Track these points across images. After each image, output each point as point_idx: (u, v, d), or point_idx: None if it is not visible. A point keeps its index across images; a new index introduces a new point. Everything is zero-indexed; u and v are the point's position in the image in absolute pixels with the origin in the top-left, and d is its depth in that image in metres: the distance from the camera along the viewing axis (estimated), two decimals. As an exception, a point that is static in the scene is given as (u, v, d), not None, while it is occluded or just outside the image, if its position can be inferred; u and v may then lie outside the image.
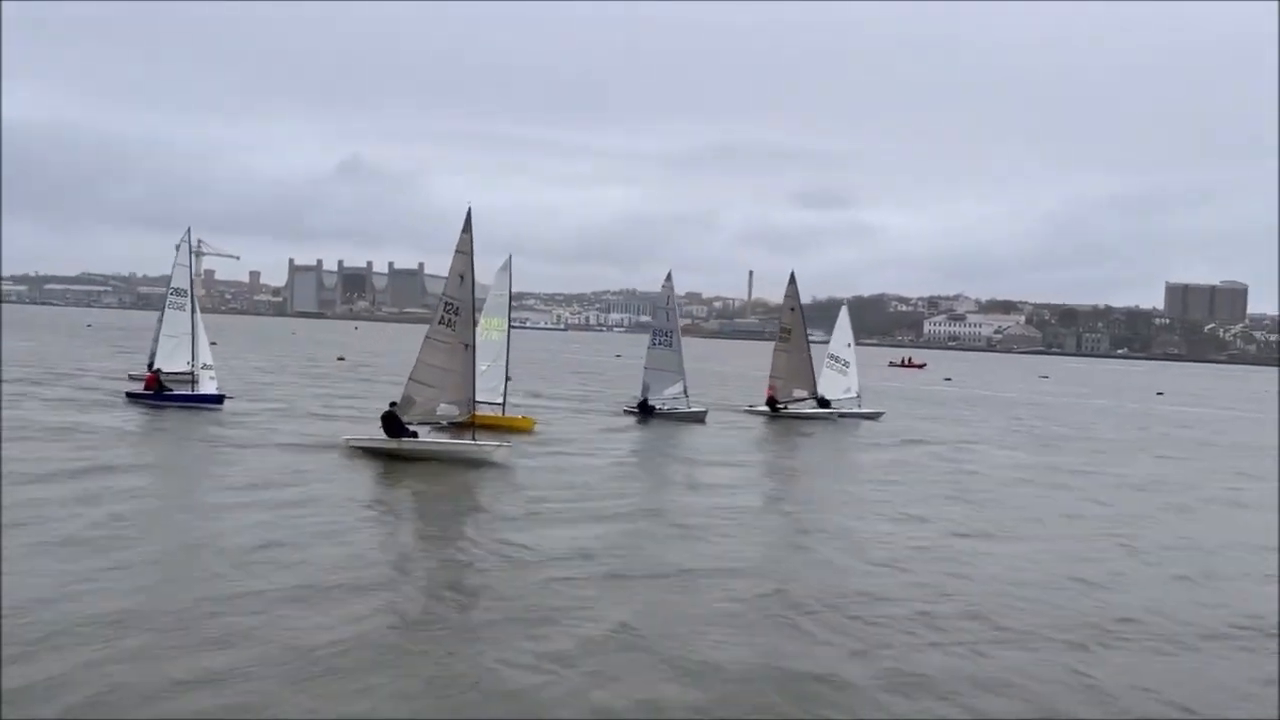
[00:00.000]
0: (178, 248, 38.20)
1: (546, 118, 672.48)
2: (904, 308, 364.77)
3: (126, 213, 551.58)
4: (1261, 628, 14.23)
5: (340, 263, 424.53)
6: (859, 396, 45.00)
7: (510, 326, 36.10)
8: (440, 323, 27.11)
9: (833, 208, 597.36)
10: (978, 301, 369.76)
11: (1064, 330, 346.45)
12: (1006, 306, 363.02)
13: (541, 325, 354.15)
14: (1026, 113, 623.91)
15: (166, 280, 38.77)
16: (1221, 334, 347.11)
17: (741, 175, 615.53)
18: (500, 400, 33.78)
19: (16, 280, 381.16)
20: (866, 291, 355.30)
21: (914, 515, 21.72)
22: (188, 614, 12.24)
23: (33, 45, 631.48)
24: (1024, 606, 14.56)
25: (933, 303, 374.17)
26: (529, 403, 41.66)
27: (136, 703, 9.73)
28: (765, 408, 43.96)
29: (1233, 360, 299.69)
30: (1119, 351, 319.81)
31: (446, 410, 26.97)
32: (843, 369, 45.22)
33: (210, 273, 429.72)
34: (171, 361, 36.14)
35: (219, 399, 35.15)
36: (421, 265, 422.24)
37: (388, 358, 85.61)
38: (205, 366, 35.53)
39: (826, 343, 47.81)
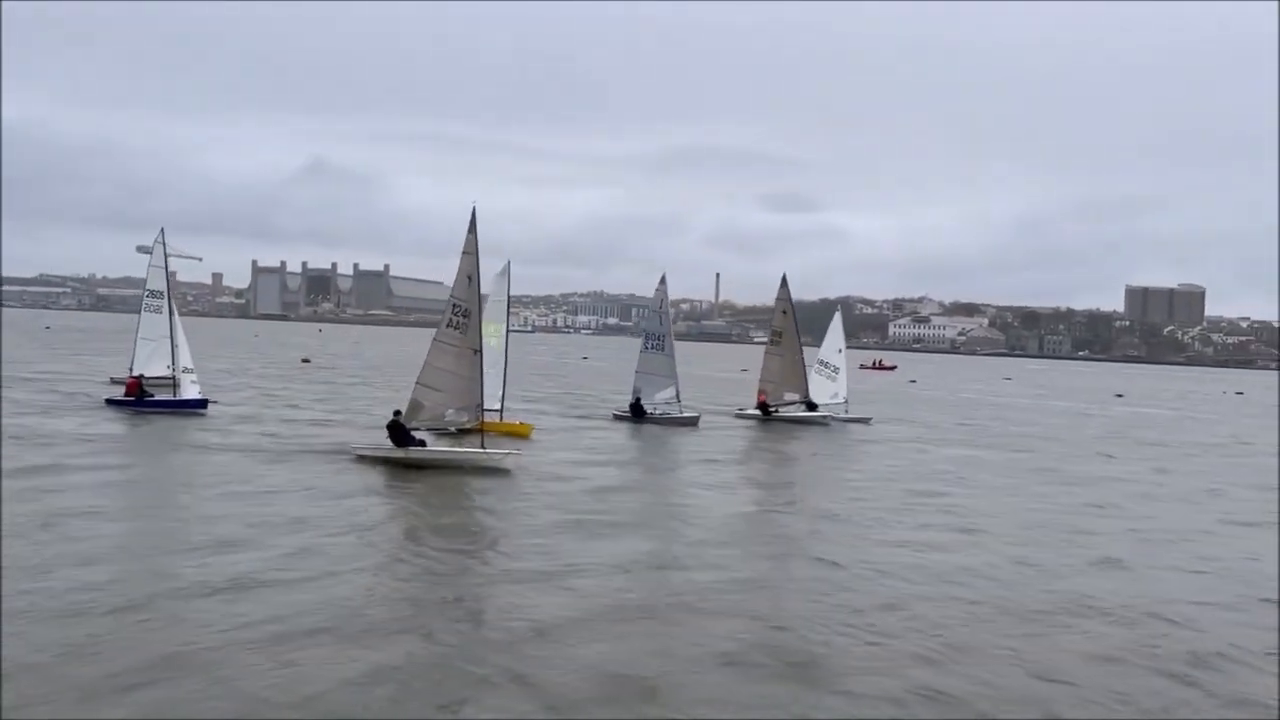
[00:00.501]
0: (150, 250, 37.16)
1: (514, 120, 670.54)
2: (869, 310, 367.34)
3: (86, 213, 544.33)
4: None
5: (304, 264, 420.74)
6: (846, 402, 44.97)
7: (508, 331, 35.72)
8: (449, 326, 26.52)
9: (799, 211, 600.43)
10: (941, 304, 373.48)
11: (1026, 332, 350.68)
12: (970, 309, 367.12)
13: (511, 327, 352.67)
14: (990, 118, 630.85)
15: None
16: (1180, 336, 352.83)
17: (708, 178, 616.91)
18: (498, 406, 33.17)
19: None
20: (832, 294, 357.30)
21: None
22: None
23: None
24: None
25: (898, 305, 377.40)
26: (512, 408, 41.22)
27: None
28: (756, 411, 43.86)
29: (1190, 362, 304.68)
30: (1080, 353, 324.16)
31: (455, 416, 26.46)
32: (831, 374, 45.14)
33: (172, 274, 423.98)
34: (150, 365, 35.33)
35: (202, 403, 34.24)
36: (387, 267, 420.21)
37: (353, 360, 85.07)
38: (186, 370, 34.62)
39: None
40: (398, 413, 26.16)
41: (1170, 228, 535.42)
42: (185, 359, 34.73)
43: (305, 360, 75.96)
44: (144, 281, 37.92)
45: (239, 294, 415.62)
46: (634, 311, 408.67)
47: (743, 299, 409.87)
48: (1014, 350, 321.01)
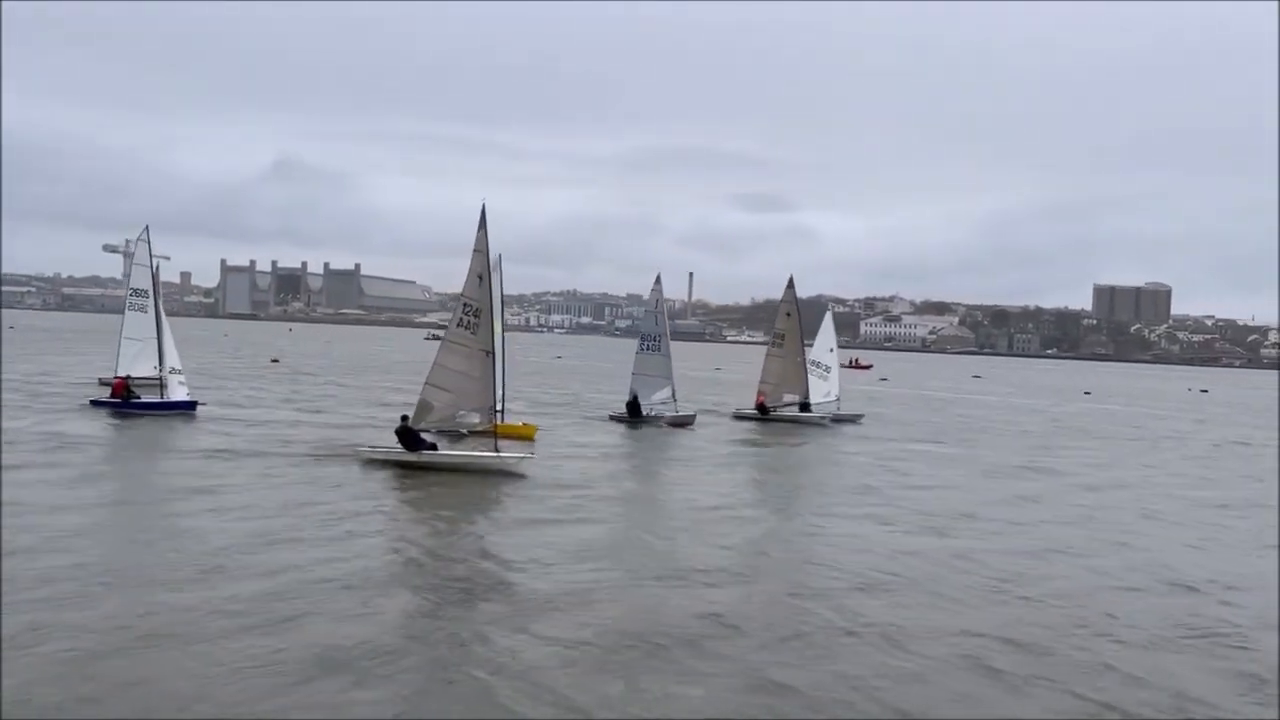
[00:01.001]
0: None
1: (487, 119, 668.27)
2: (841, 309, 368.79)
3: (51, 212, 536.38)
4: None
5: (274, 263, 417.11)
6: (838, 400, 45.20)
7: (504, 330, 34.97)
8: (459, 325, 25.98)
9: (772, 211, 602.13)
10: (912, 303, 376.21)
11: (996, 331, 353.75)
12: (940, 308, 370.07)
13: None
14: (960, 120, 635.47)
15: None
16: (1147, 334, 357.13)
17: (682, 178, 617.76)
18: (500, 407, 32.69)
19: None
20: (805, 293, 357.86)
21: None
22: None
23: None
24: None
25: (869, 304, 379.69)
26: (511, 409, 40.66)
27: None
28: (754, 411, 43.97)
29: (1157, 360, 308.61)
30: (1049, 351, 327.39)
31: (466, 418, 25.92)
32: (824, 374, 45.20)
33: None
34: (135, 366, 34.55)
35: (191, 405, 33.52)
36: (358, 266, 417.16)
37: (323, 359, 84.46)
38: (174, 371, 33.69)
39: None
40: (405, 417, 25.57)
41: (1136, 228, 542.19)
42: (173, 359, 33.79)
43: (274, 360, 75.28)
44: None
45: (208, 293, 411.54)
46: (607, 311, 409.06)
47: (716, 298, 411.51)
48: (983, 348, 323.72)
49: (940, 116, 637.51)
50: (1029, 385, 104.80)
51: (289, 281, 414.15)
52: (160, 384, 33.76)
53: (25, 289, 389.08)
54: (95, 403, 34.81)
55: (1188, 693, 11.63)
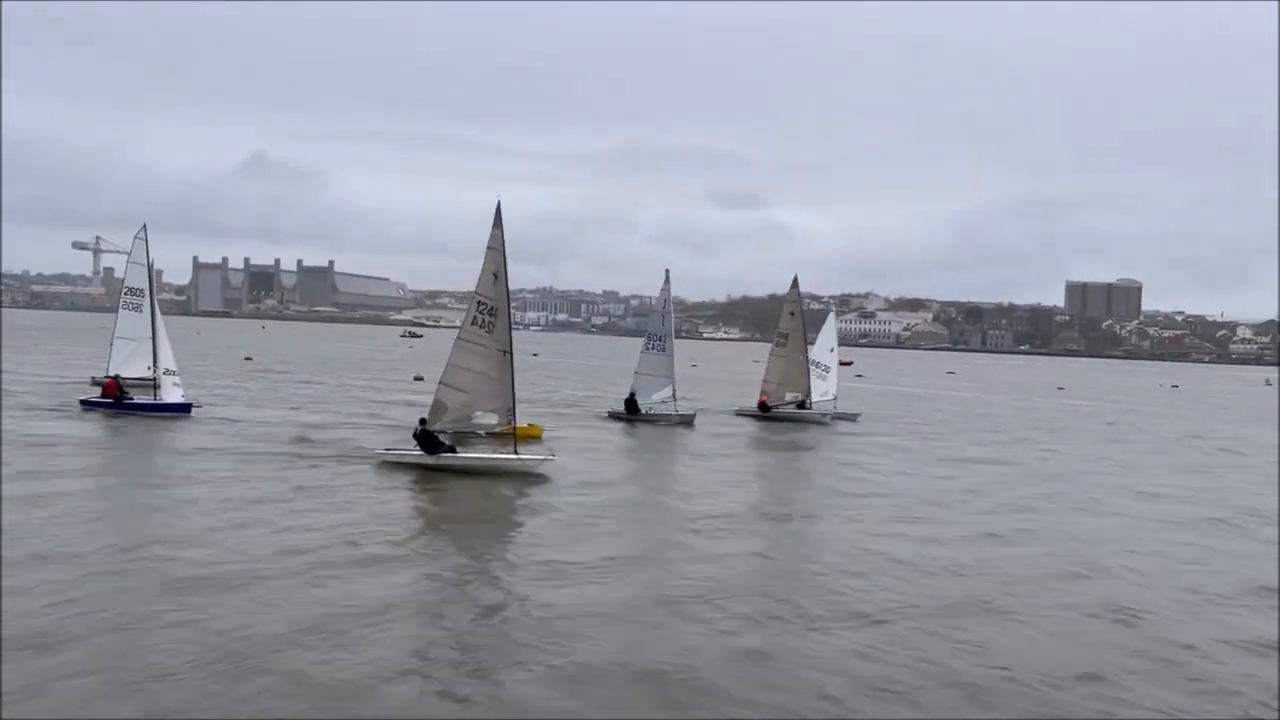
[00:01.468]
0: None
1: (462, 117, 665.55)
2: (816, 306, 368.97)
3: (19, 209, 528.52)
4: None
5: (247, 260, 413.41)
6: (835, 399, 45.33)
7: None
8: (474, 324, 25.53)
9: (747, 208, 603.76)
10: (887, 300, 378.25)
11: (970, 327, 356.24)
12: (915, 304, 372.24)
13: (456, 324, 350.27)
14: (933, 118, 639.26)
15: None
16: (1118, 330, 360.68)
17: (656, 176, 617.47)
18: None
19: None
20: (780, 289, 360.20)
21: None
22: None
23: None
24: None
25: (844, 301, 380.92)
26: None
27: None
28: (755, 409, 44.11)
29: (1128, 355, 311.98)
30: (1022, 348, 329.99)
31: (483, 418, 25.53)
32: (823, 373, 45.35)
33: (110, 270, 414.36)
34: (128, 366, 33.92)
35: (185, 408, 32.79)
36: (332, 263, 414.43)
37: (298, 357, 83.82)
38: (168, 371, 33.03)
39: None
40: (424, 420, 25.16)
41: (1108, 225, 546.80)
42: (168, 360, 33.15)
43: (248, 359, 74.61)
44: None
45: (180, 290, 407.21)
46: (583, 308, 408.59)
47: (691, 295, 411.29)
48: (957, 345, 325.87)
49: (913, 115, 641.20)
50: (1003, 382, 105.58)
51: (262, 279, 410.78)
52: (154, 385, 33.13)
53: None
54: (86, 403, 33.91)
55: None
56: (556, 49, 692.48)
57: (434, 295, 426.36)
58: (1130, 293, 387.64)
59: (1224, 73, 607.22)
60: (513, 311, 26.32)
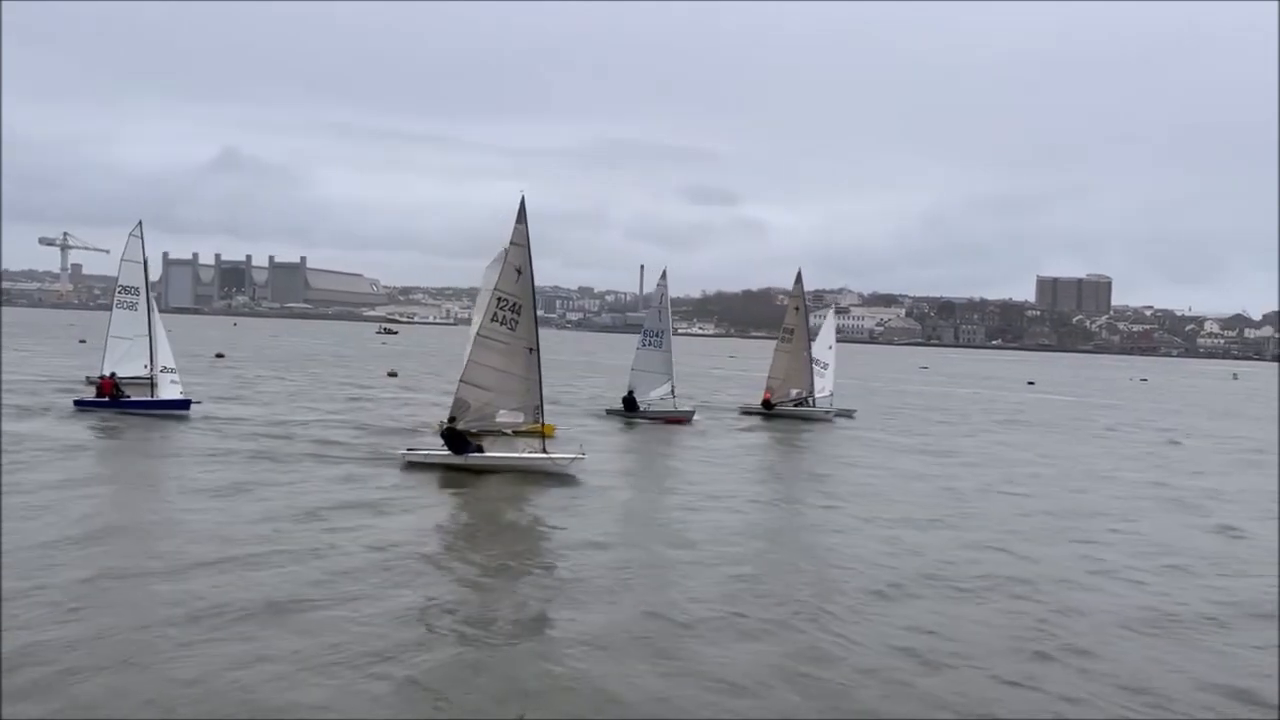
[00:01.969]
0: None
1: (434, 111, 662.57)
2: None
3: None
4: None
5: (217, 256, 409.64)
6: (832, 395, 45.27)
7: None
8: (494, 320, 25.05)
9: (720, 204, 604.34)
10: (860, 295, 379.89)
11: (942, 322, 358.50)
12: (888, 300, 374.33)
13: (430, 320, 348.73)
14: (905, 115, 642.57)
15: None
16: (1088, 324, 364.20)
17: (629, 171, 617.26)
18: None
19: None
20: (754, 285, 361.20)
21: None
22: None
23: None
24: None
25: (818, 296, 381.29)
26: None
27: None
28: (759, 407, 43.88)
29: (1098, 349, 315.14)
30: (994, 342, 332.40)
31: (508, 417, 25.20)
32: (822, 370, 45.22)
33: (78, 266, 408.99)
34: (123, 365, 33.64)
35: (184, 404, 32.68)
36: (303, 259, 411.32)
37: (271, 354, 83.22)
38: (165, 370, 32.96)
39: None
40: (452, 419, 24.66)
41: (1078, 221, 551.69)
42: (165, 358, 33.09)
43: (219, 355, 73.94)
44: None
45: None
46: (558, 303, 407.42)
47: (669, 290, 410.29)
48: (930, 340, 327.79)
49: (886, 112, 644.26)
50: (975, 375, 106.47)
51: (233, 275, 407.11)
52: (150, 383, 33.03)
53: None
54: (81, 403, 33.78)
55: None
56: (529, 44, 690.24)
57: (407, 291, 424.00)
58: (1100, 288, 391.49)
59: (1192, 69, 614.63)
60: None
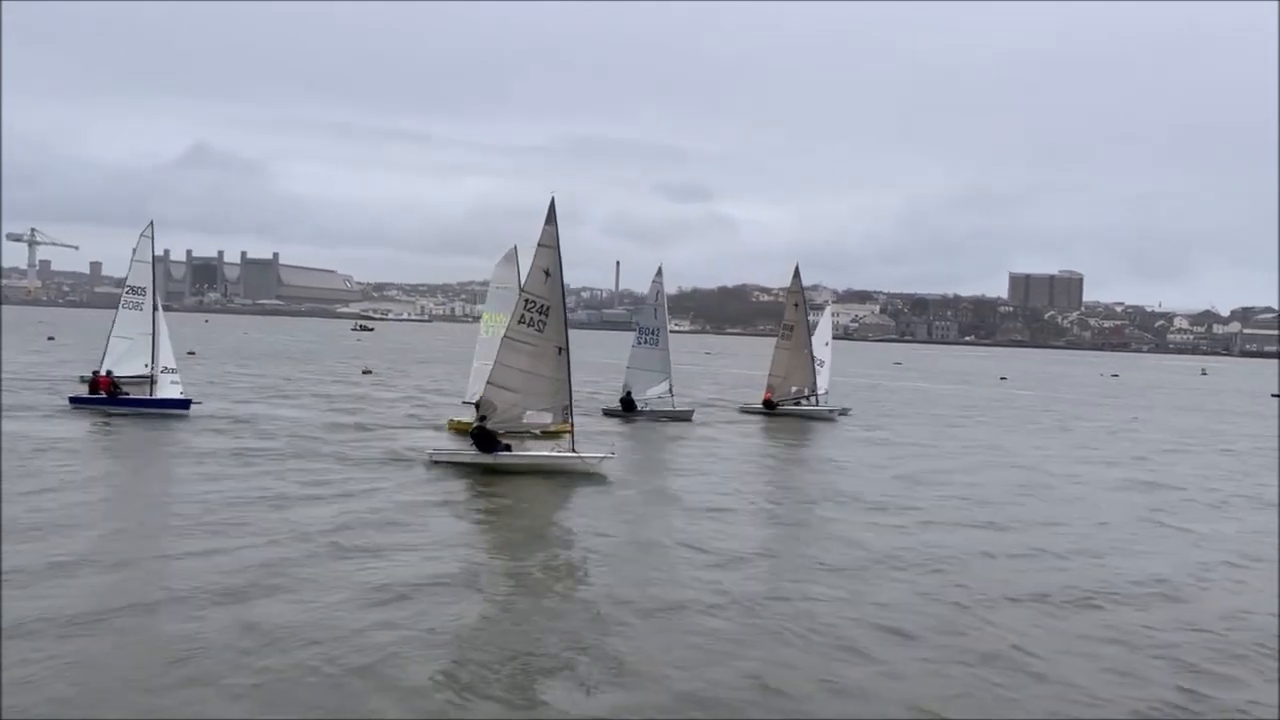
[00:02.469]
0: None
1: (409, 108, 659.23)
2: (766, 298, 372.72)
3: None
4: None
5: (189, 252, 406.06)
6: (827, 393, 44.64)
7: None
8: (521, 322, 24.80)
9: (695, 200, 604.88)
10: (835, 292, 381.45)
11: (916, 319, 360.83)
12: (862, 296, 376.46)
13: (405, 316, 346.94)
14: (879, 114, 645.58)
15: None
16: (1060, 321, 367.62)
17: (603, 168, 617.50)
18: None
19: None
20: (730, 282, 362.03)
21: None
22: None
23: None
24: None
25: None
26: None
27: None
28: (760, 406, 42.91)
29: (1070, 345, 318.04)
30: (967, 338, 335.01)
31: (536, 418, 24.99)
32: (818, 367, 44.35)
33: (46, 263, 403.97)
34: (124, 365, 33.38)
35: (184, 404, 32.49)
36: (276, 256, 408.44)
37: (244, 351, 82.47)
38: (166, 370, 32.80)
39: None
40: (483, 418, 24.41)
41: (1049, 218, 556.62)
42: (167, 358, 32.96)
43: (190, 353, 73.08)
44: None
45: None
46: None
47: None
48: (904, 336, 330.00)
49: (860, 110, 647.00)
50: (950, 372, 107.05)
51: (205, 271, 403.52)
52: (150, 382, 32.93)
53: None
54: (76, 400, 33.62)
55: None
56: (502, 41, 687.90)
57: (381, 288, 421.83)
58: (1072, 284, 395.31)
59: (1192, 69, 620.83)
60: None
